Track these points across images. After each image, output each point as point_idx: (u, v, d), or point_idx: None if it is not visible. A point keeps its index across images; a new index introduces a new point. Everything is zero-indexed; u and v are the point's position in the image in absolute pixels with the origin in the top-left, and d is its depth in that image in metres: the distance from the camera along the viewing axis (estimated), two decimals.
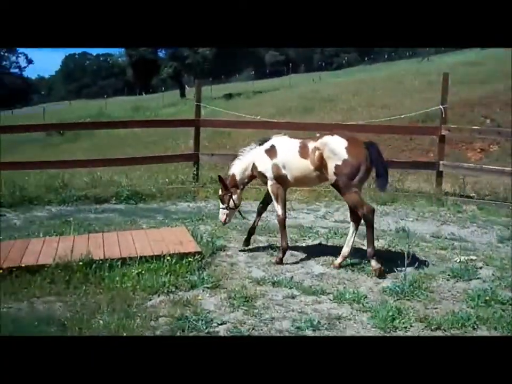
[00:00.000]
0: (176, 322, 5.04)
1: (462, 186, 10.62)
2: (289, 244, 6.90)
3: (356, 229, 6.63)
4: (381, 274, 6.28)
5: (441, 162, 10.63)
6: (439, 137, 10.75)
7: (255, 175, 7.01)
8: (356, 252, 6.87)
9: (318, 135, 6.77)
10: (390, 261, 6.74)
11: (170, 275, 6.05)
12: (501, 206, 9.63)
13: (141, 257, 6.38)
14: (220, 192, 7.16)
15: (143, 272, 6.09)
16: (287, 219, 6.97)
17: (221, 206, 7.18)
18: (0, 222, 8.45)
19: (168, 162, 12.66)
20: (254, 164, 6.91)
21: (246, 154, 7.01)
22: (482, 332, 5.00)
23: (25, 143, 28.83)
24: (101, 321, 5.03)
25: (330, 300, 5.65)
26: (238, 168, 7.05)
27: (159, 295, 5.70)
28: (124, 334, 4.76)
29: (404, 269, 6.20)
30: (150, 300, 5.61)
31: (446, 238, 7.92)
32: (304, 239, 7.66)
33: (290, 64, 72.99)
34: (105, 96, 69.78)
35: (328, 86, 38.67)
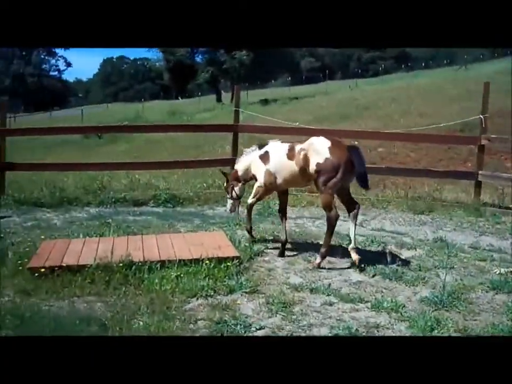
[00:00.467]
0: (215, 325, 5.07)
1: (501, 197, 10.50)
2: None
3: (354, 217, 6.86)
4: (359, 267, 6.70)
5: (480, 172, 10.51)
6: (478, 147, 10.65)
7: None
8: (393, 261, 6.85)
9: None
10: (428, 270, 6.72)
11: (208, 279, 6.10)
12: None
13: (179, 260, 6.44)
14: (225, 184, 8.03)
15: (181, 275, 6.14)
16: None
17: (227, 196, 7.97)
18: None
19: (206, 167, 12.73)
20: (250, 167, 7.51)
21: (248, 155, 7.60)
22: None
23: (64, 145, 29.21)
24: (141, 323, 5.09)
25: (368, 308, 5.62)
26: (240, 166, 7.74)
27: (197, 299, 5.73)
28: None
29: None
30: (189, 303, 5.64)
31: (484, 249, 7.81)
32: (341, 246, 7.64)
33: (327, 70, 72.85)
34: (142, 99, 70.48)
35: (365, 93, 38.59)
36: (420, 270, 6.76)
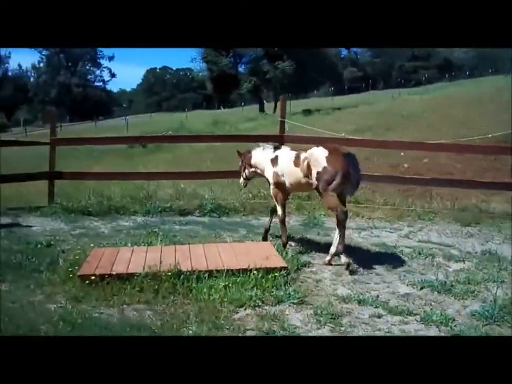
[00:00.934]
0: (264, 336, 5.09)
1: None
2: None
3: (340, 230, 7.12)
4: (349, 269, 6.95)
5: None
6: None
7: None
8: (440, 273, 6.77)
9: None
10: (477, 284, 6.63)
11: (256, 289, 6.11)
12: None
13: (227, 270, 6.47)
14: (239, 163, 8.77)
15: (229, 285, 6.17)
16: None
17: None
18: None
19: None
20: (262, 164, 8.10)
21: (265, 150, 8.11)
22: None
23: (109, 154, 29.54)
24: (190, 331, 5.14)
25: (417, 321, 5.56)
26: (256, 154, 8.28)
27: (245, 309, 5.75)
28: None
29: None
30: (237, 312, 5.67)
31: None
32: (388, 258, 7.59)
33: (370, 80, 72.56)
34: (185, 109, 71.12)
35: (408, 103, 38.23)
36: (469, 283, 6.65)
